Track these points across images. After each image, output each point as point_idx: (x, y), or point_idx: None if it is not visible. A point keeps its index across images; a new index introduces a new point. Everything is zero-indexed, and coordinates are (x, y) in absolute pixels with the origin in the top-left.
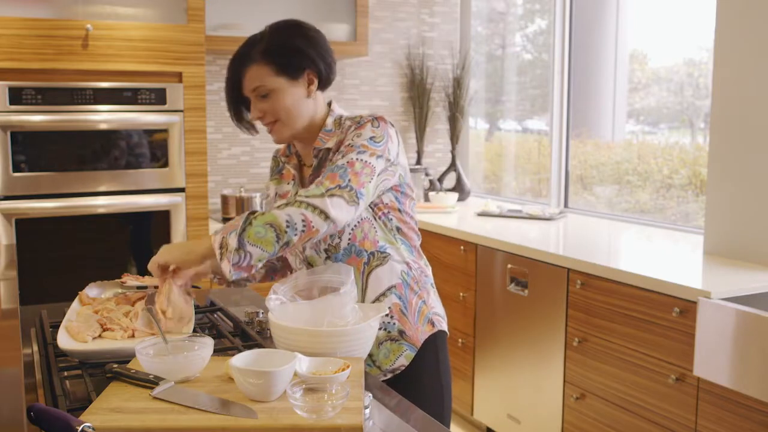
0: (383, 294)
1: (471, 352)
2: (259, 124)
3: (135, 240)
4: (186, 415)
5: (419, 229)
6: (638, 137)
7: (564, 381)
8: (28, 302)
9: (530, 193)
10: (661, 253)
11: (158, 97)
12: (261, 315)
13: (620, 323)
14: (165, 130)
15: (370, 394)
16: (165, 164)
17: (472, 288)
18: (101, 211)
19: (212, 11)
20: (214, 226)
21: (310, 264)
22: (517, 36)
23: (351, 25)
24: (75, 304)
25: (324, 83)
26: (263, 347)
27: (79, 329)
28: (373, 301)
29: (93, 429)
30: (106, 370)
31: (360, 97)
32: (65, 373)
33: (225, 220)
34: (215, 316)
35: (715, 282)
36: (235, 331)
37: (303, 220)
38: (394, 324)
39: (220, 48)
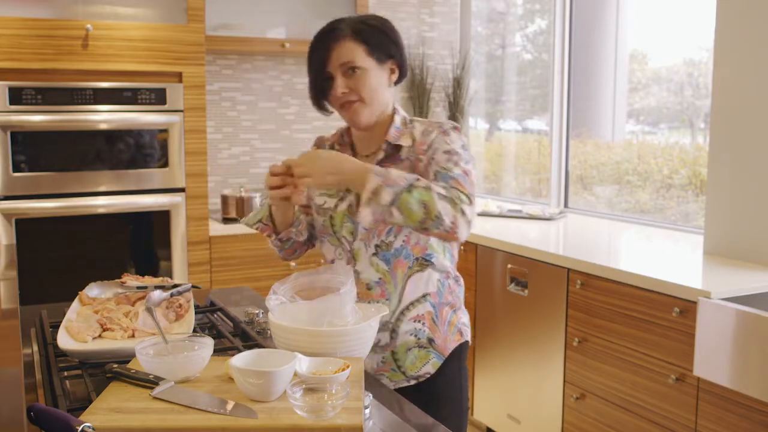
0: (417, 300)
1: (471, 352)
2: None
3: (135, 240)
4: (186, 415)
5: None
6: (638, 137)
7: (564, 381)
8: (28, 302)
9: (530, 193)
10: (661, 253)
11: (158, 97)
12: (261, 315)
13: (620, 323)
14: (165, 130)
15: (370, 394)
16: (165, 164)
17: (472, 288)
18: (101, 211)
19: (212, 11)
20: (214, 226)
21: (353, 257)
22: (517, 36)
23: None
24: (75, 304)
25: (400, 79)
26: (263, 347)
27: (79, 329)
28: (408, 307)
29: (93, 429)
30: (106, 370)
31: None
32: (65, 373)
33: (225, 220)
34: (215, 316)
35: (715, 282)
36: (235, 331)
37: (452, 222)
38: (424, 331)
39: (220, 48)
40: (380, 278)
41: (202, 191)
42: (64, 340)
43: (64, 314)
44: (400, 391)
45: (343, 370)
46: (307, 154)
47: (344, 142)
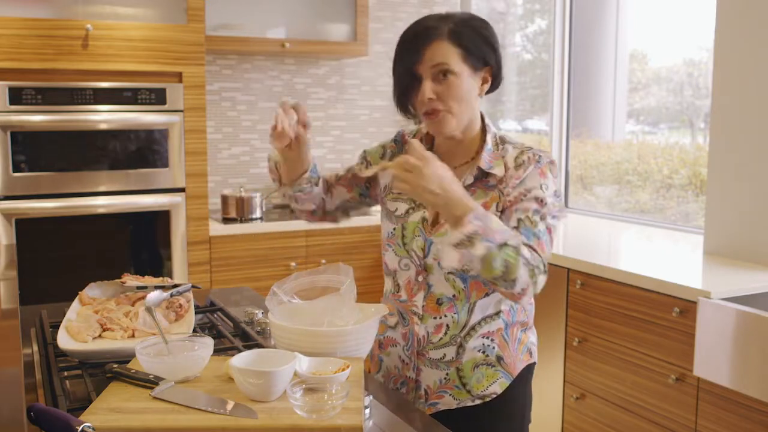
0: (489, 316)
1: None
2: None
3: (135, 240)
4: (186, 415)
5: None
6: (638, 137)
7: (564, 381)
8: (28, 302)
9: None
10: (661, 253)
11: (158, 97)
12: (261, 315)
13: (620, 323)
14: (165, 130)
15: (371, 394)
16: (165, 164)
17: None
18: (101, 211)
19: (212, 11)
20: (214, 226)
21: (425, 269)
22: (517, 36)
23: (351, 25)
24: (75, 304)
25: (492, 88)
26: (263, 347)
27: (79, 329)
28: (479, 322)
29: (93, 429)
30: (106, 370)
31: (360, 97)
32: (65, 373)
33: (225, 220)
34: (215, 316)
35: (715, 282)
36: (235, 331)
37: (523, 289)
38: (493, 348)
39: (220, 48)
40: (454, 295)
41: (202, 191)
42: (64, 340)
43: (64, 314)
44: (464, 410)
45: (343, 370)
46: (423, 157)
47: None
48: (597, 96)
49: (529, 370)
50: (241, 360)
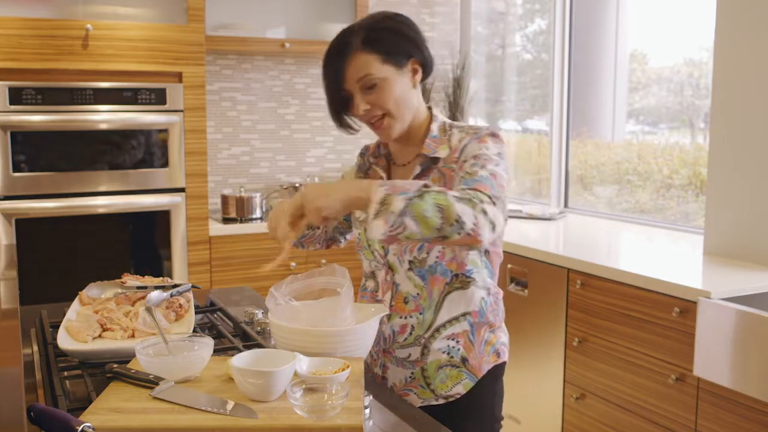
0: (456, 319)
1: None
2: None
3: (135, 240)
4: (186, 415)
5: None
6: (638, 137)
7: (564, 381)
8: (28, 302)
9: (530, 193)
10: (661, 253)
11: (158, 97)
12: (261, 315)
13: (620, 323)
14: (165, 130)
15: (371, 394)
16: (165, 164)
17: None
18: (101, 211)
19: (212, 11)
20: (214, 226)
21: (391, 269)
22: (517, 36)
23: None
24: (75, 304)
25: (426, 75)
26: (263, 347)
27: (79, 329)
28: (444, 324)
29: (93, 429)
30: (106, 370)
31: None
32: (65, 373)
33: (225, 220)
34: (215, 316)
35: (715, 282)
36: (235, 331)
37: (474, 223)
38: (458, 350)
39: (220, 48)
40: (418, 293)
41: (202, 191)
42: (64, 340)
43: (64, 314)
44: (428, 408)
45: (343, 370)
46: (309, 189)
47: (380, 154)
48: (597, 96)
49: (497, 370)
50: (241, 360)
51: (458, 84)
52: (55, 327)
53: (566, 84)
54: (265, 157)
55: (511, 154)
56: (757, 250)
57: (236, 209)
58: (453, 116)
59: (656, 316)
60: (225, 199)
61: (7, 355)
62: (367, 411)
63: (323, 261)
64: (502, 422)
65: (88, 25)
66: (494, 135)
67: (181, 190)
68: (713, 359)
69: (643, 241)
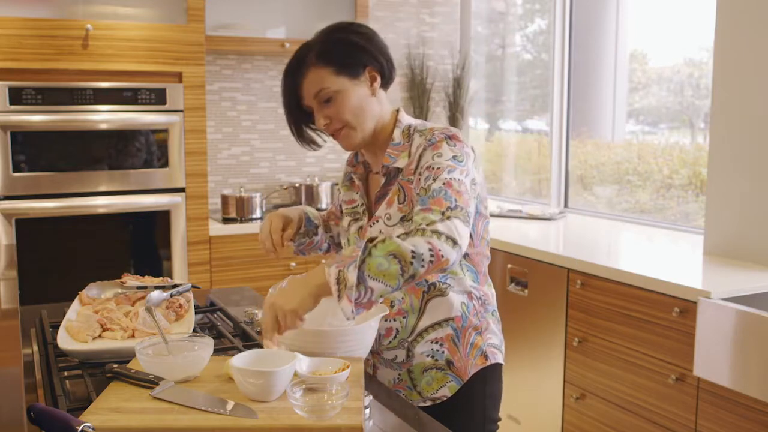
0: (438, 323)
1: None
2: (324, 139)
3: (135, 240)
4: (186, 415)
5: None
6: (638, 137)
7: (564, 381)
8: (28, 302)
9: (530, 193)
10: (661, 253)
11: (158, 97)
12: (261, 315)
13: (620, 323)
14: (165, 130)
15: (371, 394)
16: (165, 164)
17: None
18: (101, 211)
19: (212, 11)
20: (214, 226)
21: None
22: (517, 36)
23: None
24: (75, 304)
25: (386, 81)
26: (263, 347)
27: (79, 329)
28: (427, 329)
29: (93, 429)
30: (106, 370)
31: None
32: (65, 373)
33: (225, 220)
34: (215, 316)
35: (715, 282)
36: (235, 331)
37: (430, 250)
38: (443, 353)
39: (220, 48)
40: (402, 297)
41: (202, 191)
42: (64, 340)
43: (64, 314)
44: None
45: (343, 370)
46: (278, 296)
47: (357, 162)
48: (597, 96)
49: (486, 372)
50: (241, 360)
51: (458, 84)
52: (55, 327)
53: (566, 84)
54: (265, 157)
55: (510, 154)
56: (757, 250)
57: (236, 209)
58: (453, 116)
59: (656, 316)
60: (225, 199)
61: (7, 355)
62: (367, 411)
63: (323, 261)
64: (498, 423)
65: (88, 25)
66: (450, 137)
67: (181, 190)
68: (713, 359)
69: (643, 241)
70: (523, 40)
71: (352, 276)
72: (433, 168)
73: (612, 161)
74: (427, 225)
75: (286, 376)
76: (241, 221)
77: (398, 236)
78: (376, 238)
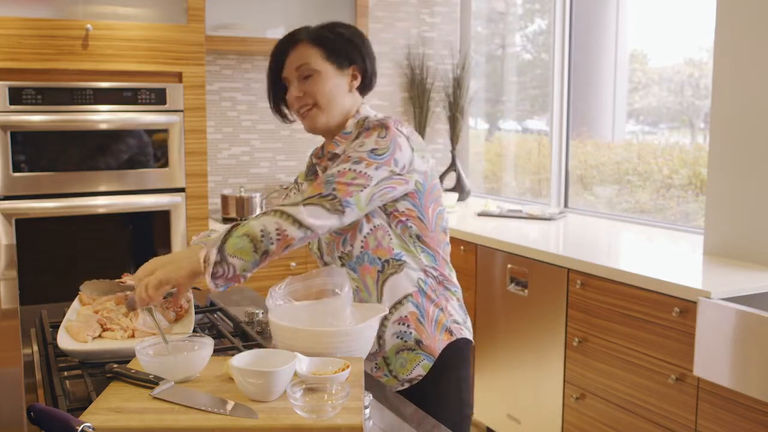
0: (399, 302)
1: (471, 352)
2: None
3: (135, 240)
4: (186, 415)
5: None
6: (638, 137)
7: (564, 381)
8: (28, 302)
9: (530, 193)
10: (661, 253)
11: (158, 97)
12: (261, 315)
13: (620, 323)
14: (165, 130)
15: (370, 394)
16: (165, 164)
17: (472, 288)
18: (101, 211)
19: (212, 11)
20: (214, 226)
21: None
22: (517, 36)
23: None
24: (75, 304)
25: (366, 85)
26: (263, 347)
27: (79, 329)
28: (390, 310)
29: (93, 429)
30: (106, 370)
31: None
32: (65, 373)
33: (225, 220)
34: (215, 316)
35: (715, 282)
36: (235, 331)
37: (277, 229)
38: (410, 333)
39: (220, 48)
40: (357, 287)
41: (202, 191)
42: (64, 340)
43: (64, 314)
44: None
45: (343, 370)
46: (150, 267)
47: (322, 154)
48: (597, 96)
49: (454, 348)
50: (241, 360)
51: (458, 84)
52: (55, 327)
53: (566, 84)
54: (265, 157)
55: (510, 154)
56: (757, 250)
57: (236, 209)
58: (453, 116)
59: (656, 316)
60: (225, 199)
61: (7, 355)
62: (367, 411)
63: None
64: (473, 408)
65: (88, 25)
66: (383, 128)
67: (181, 190)
68: (713, 359)
69: (643, 241)
70: (523, 40)
71: (212, 256)
72: (346, 155)
73: (612, 161)
74: (282, 206)
75: (286, 376)
76: (241, 221)
77: (254, 217)
78: (239, 223)
